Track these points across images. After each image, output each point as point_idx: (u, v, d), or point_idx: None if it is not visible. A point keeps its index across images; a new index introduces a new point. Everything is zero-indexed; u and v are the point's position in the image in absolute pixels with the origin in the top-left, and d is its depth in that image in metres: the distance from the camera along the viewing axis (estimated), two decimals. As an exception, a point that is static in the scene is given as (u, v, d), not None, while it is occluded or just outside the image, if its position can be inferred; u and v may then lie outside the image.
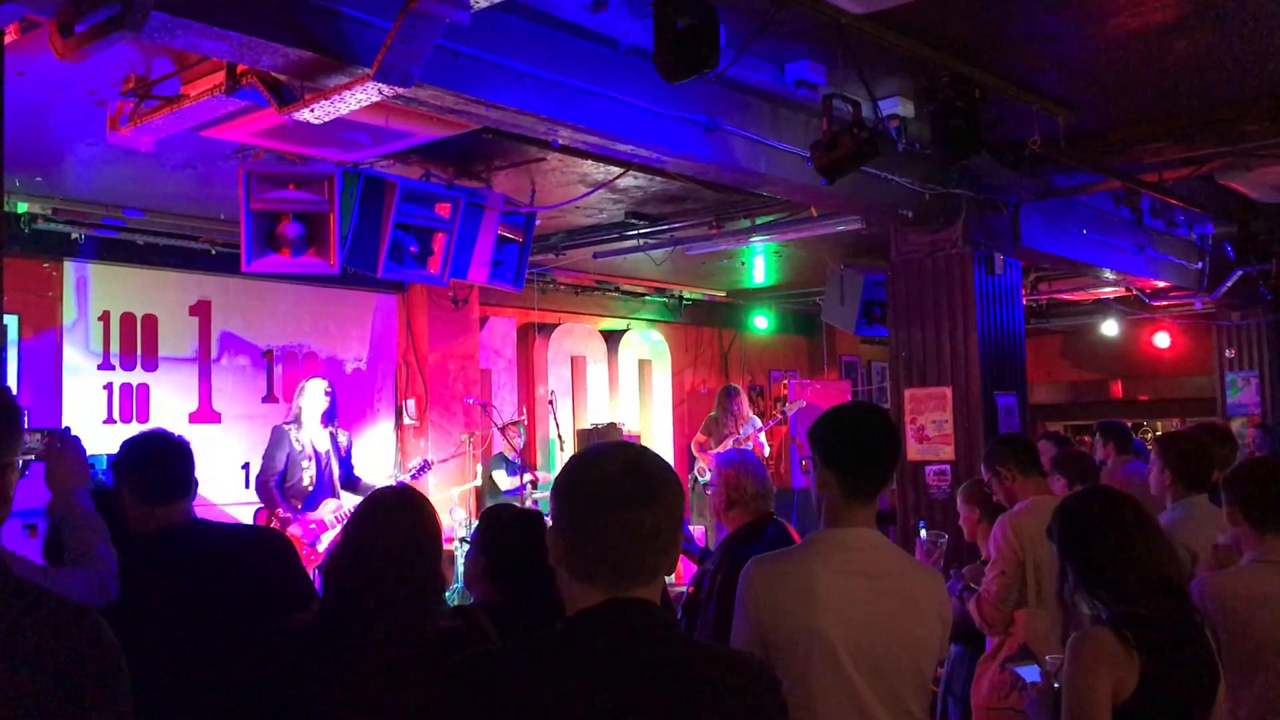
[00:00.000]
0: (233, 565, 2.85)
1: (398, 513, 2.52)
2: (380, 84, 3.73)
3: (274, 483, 6.45)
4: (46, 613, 1.48)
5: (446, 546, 6.66)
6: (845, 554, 2.43)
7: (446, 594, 3.83)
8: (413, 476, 7.01)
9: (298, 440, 6.53)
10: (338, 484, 6.64)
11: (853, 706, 2.35)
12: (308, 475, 6.49)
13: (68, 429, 2.84)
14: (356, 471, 6.93)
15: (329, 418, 6.69)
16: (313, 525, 6.44)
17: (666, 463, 1.75)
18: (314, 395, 6.65)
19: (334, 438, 6.71)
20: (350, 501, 6.51)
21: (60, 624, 1.47)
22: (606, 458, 1.72)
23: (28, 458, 2.74)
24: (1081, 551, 2.61)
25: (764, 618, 2.39)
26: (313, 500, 6.51)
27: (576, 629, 1.64)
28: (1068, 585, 2.64)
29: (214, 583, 2.77)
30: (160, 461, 2.95)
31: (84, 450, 2.81)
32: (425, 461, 7.23)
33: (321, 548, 6.34)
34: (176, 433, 3.12)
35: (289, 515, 6.38)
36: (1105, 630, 2.46)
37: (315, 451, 6.56)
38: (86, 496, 2.73)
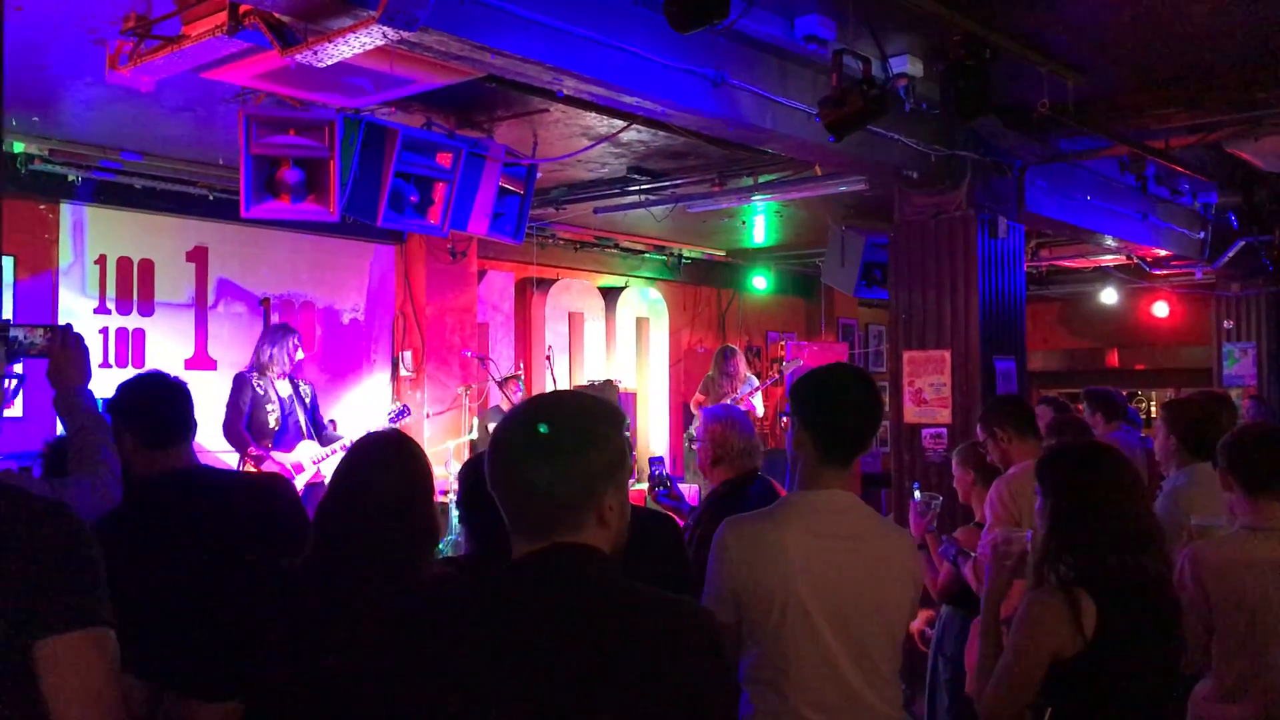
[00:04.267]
0: (238, 511, 2.82)
1: (390, 456, 2.50)
2: (385, 27, 3.68)
3: (241, 424, 6.50)
4: (21, 507, 1.63)
5: (441, 499, 6.70)
6: (819, 516, 2.42)
7: (440, 545, 3.80)
8: (391, 420, 6.99)
9: (259, 386, 6.58)
10: (306, 428, 6.69)
11: (826, 667, 2.36)
12: (273, 417, 6.55)
13: (69, 325, 2.79)
14: (326, 420, 7.05)
15: (293, 371, 6.78)
16: (290, 466, 6.46)
17: (588, 414, 1.69)
18: (293, 352, 6.67)
19: (296, 387, 6.75)
20: (326, 448, 6.59)
21: (34, 517, 1.63)
22: (515, 415, 1.72)
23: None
24: (1062, 501, 2.65)
25: (738, 579, 2.38)
26: (281, 440, 6.55)
27: (502, 577, 1.69)
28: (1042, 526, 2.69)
29: (220, 528, 2.75)
30: (162, 404, 2.92)
31: (87, 349, 2.78)
32: (404, 407, 7.23)
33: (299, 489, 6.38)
34: (173, 374, 3.08)
35: (261, 453, 6.41)
36: (1059, 595, 2.51)
37: (279, 396, 6.61)
38: (90, 395, 2.71)
